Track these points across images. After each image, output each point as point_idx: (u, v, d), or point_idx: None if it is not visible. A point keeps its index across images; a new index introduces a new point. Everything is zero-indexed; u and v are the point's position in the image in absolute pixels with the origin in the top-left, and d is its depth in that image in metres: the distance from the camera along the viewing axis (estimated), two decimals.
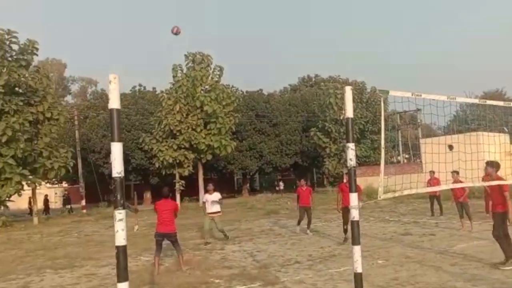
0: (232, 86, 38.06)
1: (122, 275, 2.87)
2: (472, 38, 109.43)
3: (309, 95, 46.88)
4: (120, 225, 2.87)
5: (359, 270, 4.04)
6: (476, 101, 6.64)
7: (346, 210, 10.38)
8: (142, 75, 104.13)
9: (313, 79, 58.28)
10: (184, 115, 30.27)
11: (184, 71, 31.39)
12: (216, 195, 12.15)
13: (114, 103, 2.91)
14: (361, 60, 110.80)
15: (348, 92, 4.26)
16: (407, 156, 47.37)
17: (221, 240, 12.60)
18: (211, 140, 30.56)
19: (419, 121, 43.17)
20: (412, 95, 4.67)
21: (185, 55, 31.35)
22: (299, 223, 13.48)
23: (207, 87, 31.45)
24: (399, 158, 45.30)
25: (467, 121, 48.21)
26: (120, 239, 2.87)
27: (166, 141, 30.42)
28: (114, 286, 7.66)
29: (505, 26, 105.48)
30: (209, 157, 31.47)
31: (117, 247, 2.88)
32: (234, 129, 33.79)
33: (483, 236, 10.66)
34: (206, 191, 12.59)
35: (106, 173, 37.78)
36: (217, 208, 12.10)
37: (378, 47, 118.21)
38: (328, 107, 38.76)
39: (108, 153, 37.78)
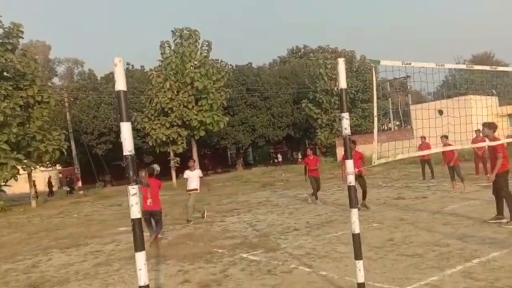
0: (221, 61, 37.90)
1: (139, 245, 3.08)
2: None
3: (298, 67, 46.82)
4: (134, 199, 3.06)
5: (357, 231, 4.31)
6: (464, 66, 6.84)
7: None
8: (130, 53, 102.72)
9: (302, 50, 58.00)
10: (175, 92, 30.19)
11: (172, 48, 31.12)
12: (198, 172, 11.82)
13: (121, 85, 3.05)
14: (350, 29, 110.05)
15: (341, 64, 4.42)
16: (398, 123, 47.79)
17: (219, 213, 12.91)
18: (203, 116, 30.64)
19: (409, 87, 43.42)
20: (402, 63, 4.84)
21: (172, 31, 31.00)
22: (315, 195, 13.09)
23: (196, 63, 31.27)
24: (390, 125, 45.71)
25: (456, 85, 48.50)
26: (135, 213, 3.07)
27: (158, 119, 30.43)
28: (121, 261, 7.97)
29: None
30: (202, 133, 31.59)
31: (133, 220, 3.08)
32: (226, 104, 33.85)
33: (473, 197, 11.08)
34: (188, 167, 11.95)
35: (100, 154, 37.89)
36: (196, 184, 11.66)
37: (367, 16, 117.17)
38: (318, 78, 38.83)
39: (100, 134, 37.82)
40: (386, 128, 46.09)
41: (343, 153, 12.84)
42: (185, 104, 30.22)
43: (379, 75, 33.97)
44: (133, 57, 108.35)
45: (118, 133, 37.67)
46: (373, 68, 5.07)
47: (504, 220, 7.69)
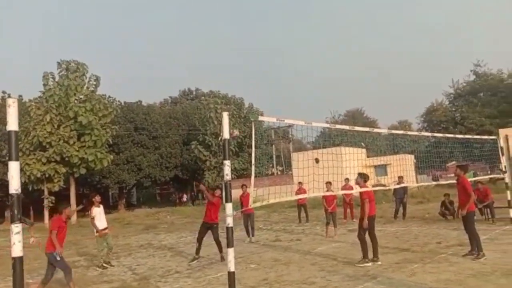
0: (109, 97, 36.88)
1: (18, 284, 3.11)
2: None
3: (190, 109, 47.50)
4: (17, 238, 3.11)
5: (232, 269, 4.74)
6: (328, 125, 7.96)
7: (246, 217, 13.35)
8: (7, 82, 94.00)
9: (194, 93, 59.12)
10: (55, 126, 28.44)
11: (57, 79, 29.58)
12: (102, 207, 10.74)
13: (13, 125, 3.17)
14: (241, 78, 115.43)
15: (225, 117, 4.99)
16: (280, 168, 50.53)
17: (97, 257, 12.33)
18: (85, 153, 29.13)
19: (291, 136, 46.61)
20: (276, 120, 5.59)
21: (58, 62, 29.57)
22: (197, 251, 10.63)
23: (82, 97, 30.03)
24: (273, 170, 48.15)
25: (332, 136, 53.19)
26: (17, 251, 3.11)
27: (34, 154, 28.15)
28: None
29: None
30: (83, 171, 29.88)
31: (14, 258, 3.11)
32: (111, 142, 32.66)
33: (340, 239, 12.33)
34: (92, 202, 10.65)
35: None
36: (106, 222, 10.70)
37: (255, 67, 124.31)
38: (208, 121, 39.86)
39: None
40: (270, 173, 48.44)
41: (238, 194, 13.56)
42: (66, 139, 28.52)
43: (264, 123, 36.01)
44: (10, 85, 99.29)
45: None
46: (253, 122, 5.73)
47: (369, 263, 8.50)
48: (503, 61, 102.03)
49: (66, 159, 28.43)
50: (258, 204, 5.29)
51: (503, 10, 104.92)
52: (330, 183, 12.38)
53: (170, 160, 43.07)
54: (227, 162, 5.01)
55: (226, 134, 5.04)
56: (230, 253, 4.77)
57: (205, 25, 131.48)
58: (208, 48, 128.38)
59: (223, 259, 9.85)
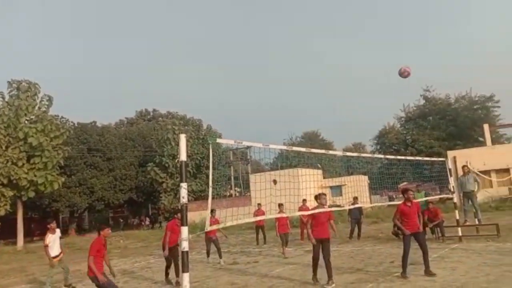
0: (62, 117, 35.79)
1: None
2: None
3: (146, 130, 46.73)
4: None
5: None
6: (285, 147, 8.09)
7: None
8: None
9: (151, 114, 58.27)
10: (3, 148, 27.15)
11: (6, 99, 28.44)
12: (58, 233, 10.88)
13: None
14: (199, 96, 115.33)
15: (183, 139, 4.96)
16: (239, 189, 50.36)
17: (45, 284, 11.73)
18: (35, 176, 27.92)
19: (249, 157, 46.79)
20: (234, 142, 5.62)
21: (9, 82, 28.52)
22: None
23: (33, 117, 28.98)
24: (231, 191, 47.93)
25: (289, 157, 53.89)
26: None
27: None
28: None
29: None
30: (32, 194, 28.54)
31: None
32: (63, 164, 31.49)
33: (296, 261, 12.36)
34: (47, 229, 10.79)
35: None
36: (59, 248, 10.77)
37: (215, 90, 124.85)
38: (166, 143, 39.34)
39: None
40: (228, 194, 48.14)
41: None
42: (15, 161, 27.26)
43: (223, 145, 36.05)
44: None
45: None
46: (211, 145, 5.72)
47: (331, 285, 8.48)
48: (450, 86, 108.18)
49: (14, 181, 27.14)
50: (215, 227, 5.25)
51: (451, 39, 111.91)
52: (282, 204, 12.70)
53: (124, 182, 41.95)
54: (184, 185, 4.97)
55: (183, 157, 5.01)
56: (185, 278, 4.68)
57: (167, 46, 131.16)
58: (167, 68, 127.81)
59: (178, 284, 9.66)
